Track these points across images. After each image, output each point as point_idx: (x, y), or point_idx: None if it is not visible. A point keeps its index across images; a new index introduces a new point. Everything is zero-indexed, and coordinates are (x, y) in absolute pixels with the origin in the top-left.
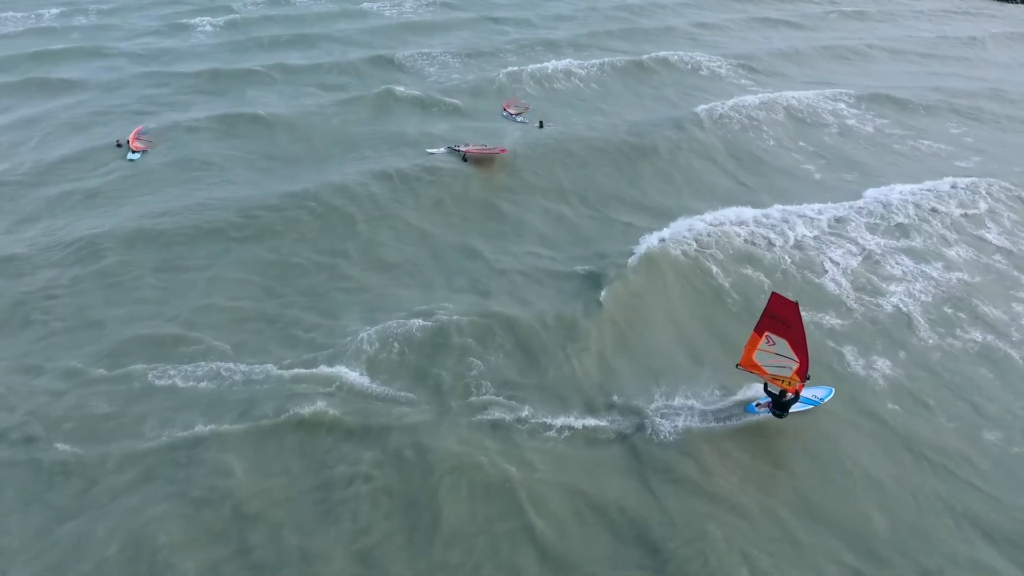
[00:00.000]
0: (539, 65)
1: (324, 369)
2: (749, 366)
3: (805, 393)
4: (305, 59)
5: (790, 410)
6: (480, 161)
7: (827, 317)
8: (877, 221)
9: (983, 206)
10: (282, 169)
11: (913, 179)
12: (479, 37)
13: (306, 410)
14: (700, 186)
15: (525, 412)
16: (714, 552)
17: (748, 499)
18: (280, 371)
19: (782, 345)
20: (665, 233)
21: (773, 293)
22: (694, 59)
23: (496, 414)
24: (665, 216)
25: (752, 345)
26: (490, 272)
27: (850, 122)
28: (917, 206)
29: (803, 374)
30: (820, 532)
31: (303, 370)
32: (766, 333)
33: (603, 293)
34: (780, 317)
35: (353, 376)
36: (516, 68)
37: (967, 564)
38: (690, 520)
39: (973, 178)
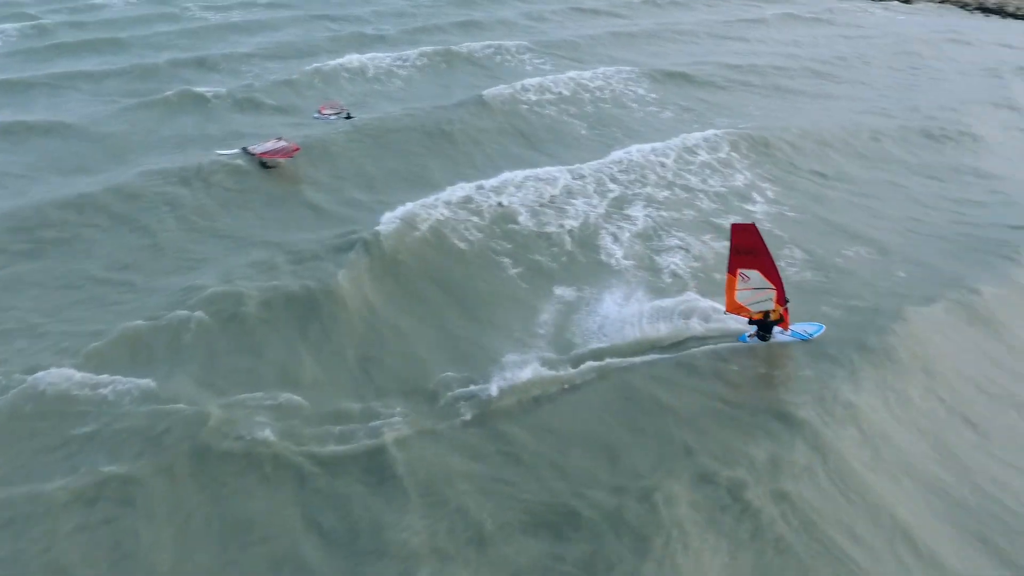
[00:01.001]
0: (360, 58)
1: (82, 373)
2: (735, 310)
3: (795, 328)
4: (110, 64)
5: (775, 335)
6: (278, 160)
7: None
8: (652, 191)
9: (747, 174)
10: (69, 179)
11: (685, 147)
12: (306, 34)
13: (72, 418)
14: (486, 160)
15: (309, 402)
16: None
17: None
18: (36, 379)
19: (756, 277)
20: (435, 204)
21: (732, 224)
22: (506, 46)
23: (278, 406)
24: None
25: (731, 288)
26: (277, 260)
27: (633, 95)
28: (684, 173)
29: (782, 300)
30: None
31: (59, 377)
32: (738, 271)
33: (366, 272)
34: (745, 248)
35: (123, 382)
36: (335, 63)
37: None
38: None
39: (731, 131)
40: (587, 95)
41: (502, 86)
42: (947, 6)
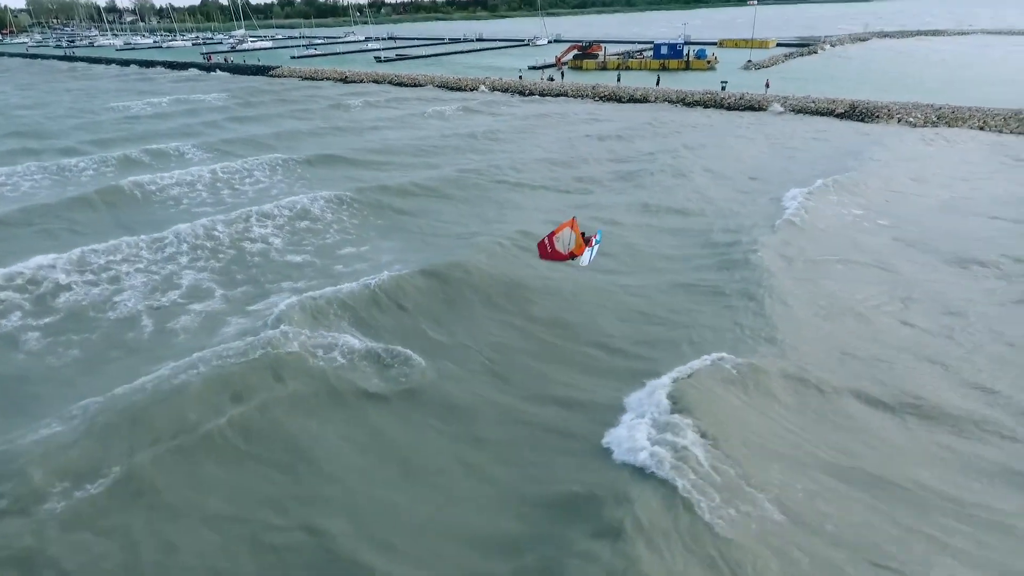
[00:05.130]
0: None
1: None
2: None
3: (595, 240)
4: None
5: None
6: None
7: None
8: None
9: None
10: None
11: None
12: None
13: None
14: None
15: None
16: None
17: None
18: None
19: (566, 233)
20: None
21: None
22: (178, 148)
23: None
24: None
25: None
26: None
27: (279, 178)
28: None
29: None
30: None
31: None
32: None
33: None
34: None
35: None
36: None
37: None
38: None
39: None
40: (230, 181)
41: (145, 176)
42: (587, 99)
